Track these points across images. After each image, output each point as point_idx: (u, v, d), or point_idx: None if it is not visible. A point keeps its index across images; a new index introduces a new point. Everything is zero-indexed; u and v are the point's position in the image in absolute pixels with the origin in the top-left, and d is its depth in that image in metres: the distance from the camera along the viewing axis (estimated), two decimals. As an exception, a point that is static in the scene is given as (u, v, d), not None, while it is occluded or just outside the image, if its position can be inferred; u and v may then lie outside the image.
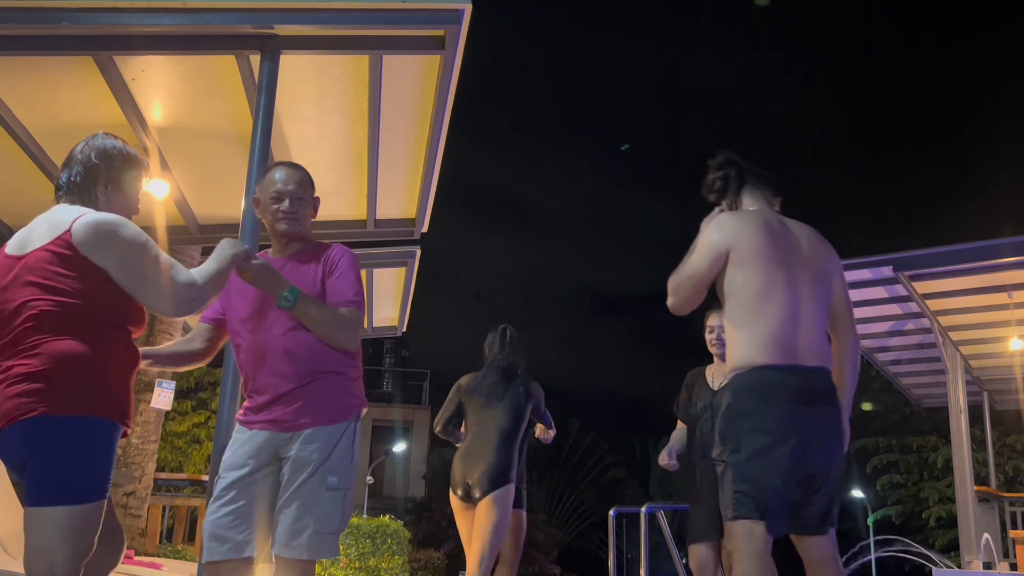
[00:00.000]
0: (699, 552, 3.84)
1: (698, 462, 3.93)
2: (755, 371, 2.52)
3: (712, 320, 4.08)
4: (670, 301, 2.71)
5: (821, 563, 2.56)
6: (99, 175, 2.34)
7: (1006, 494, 9.39)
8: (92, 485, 2.09)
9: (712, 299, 3.25)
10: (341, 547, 5.87)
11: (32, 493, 2.07)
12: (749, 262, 2.56)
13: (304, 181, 2.64)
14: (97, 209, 2.29)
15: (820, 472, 2.52)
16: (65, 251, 2.16)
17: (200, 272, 2.30)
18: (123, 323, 2.25)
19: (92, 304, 2.18)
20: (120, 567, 4.27)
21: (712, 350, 4.07)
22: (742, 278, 2.57)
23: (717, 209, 2.83)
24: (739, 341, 2.58)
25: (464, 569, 5.20)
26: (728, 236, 2.61)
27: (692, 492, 3.98)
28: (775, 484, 2.44)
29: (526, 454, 4.46)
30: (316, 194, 2.70)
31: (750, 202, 2.78)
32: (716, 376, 4.04)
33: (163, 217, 6.04)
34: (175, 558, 6.60)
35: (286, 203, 2.58)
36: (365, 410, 2.63)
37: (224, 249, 2.38)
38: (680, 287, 2.67)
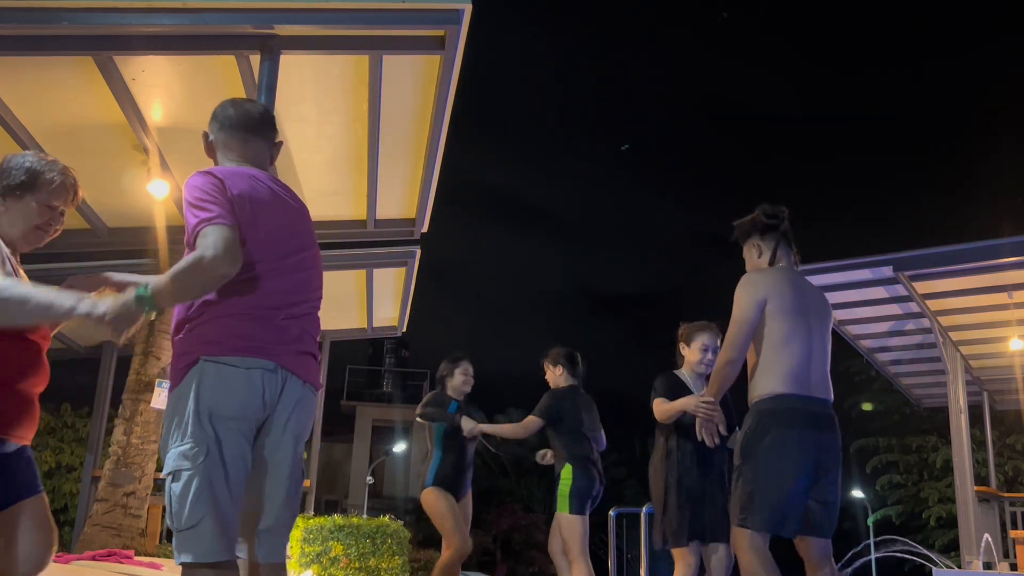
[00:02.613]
0: (688, 554, 3.84)
1: (677, 469, 3.91)
2: (776, 399, 3.03)
3: (706, 339, 4.07)
4: (731, 355, 3.12)
5: (822, 561, 3.07)
6: None
7: (1006, 494, 9.39)
8: None
9: (698, 318, 4.13)
10: (340, 547, 5.87)
11: None
12: (777, 314, 3.08)
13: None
14: None
15: (829, 485, 3.05)
16: None
17: (5, 287, 2.06)
18: None
19: None
20: (120, 567, 4.26)
21: (699, 369, 4.06)
22: (771, 325, 3.08)
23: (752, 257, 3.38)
24: (764, 375, 3.08)
25: (464, 569, 5.21)
26: (764, 291, 3.12)
27: (668, 496, 3.91)
28: (790, 496, 2.92)
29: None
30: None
31: (781, 256, 3.31)
32: (694, 386, 4.03)
33: (163, 217, 6.04)
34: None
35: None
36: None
37: (65, 301, 2.02)
38: (736, 338, 3.11)
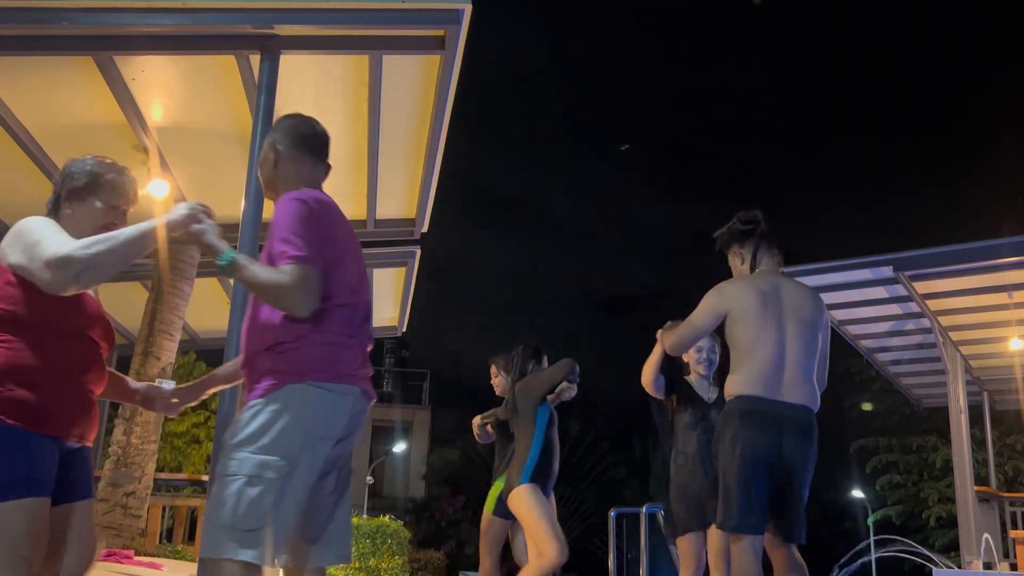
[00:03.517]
0: (695, 542, 4.02)
1: (677, 459, 4.14)
2: (738, 400, 3.15)
3: (701, 341, 4.23)
4: (670, 344, 3.52)
5: (789, 568, 3.13)
6: (61, 192, 2.36)
7: (1006, 494, 9.39)
8: None
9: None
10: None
11: None
12: (741, 320, 3.23)
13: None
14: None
15: (794, 491, 3.10)
16: None
17: (88, 242, 2.13)
18: (41, 322, 2.16)
19: (5, 307, 2.14)
20: (120, 567, 4.26)
21: (699, 370, 4.30)
22: (738, 331, 3.23)
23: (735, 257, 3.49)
24: (731, 378, 3.23)
25: (464, 569, 5.21)
26: (725, 301, 3.28)
27: (671, 487, 4.14)
28: (745, 495, 3.01)
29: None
30: None
31: (766, 262, 3.40)
32: (699, 388, 4.27)
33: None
34: (175, 558, 6.60)
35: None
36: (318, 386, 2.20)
37: (167, 215, 2.24)
38: (683, 337, 3.42)
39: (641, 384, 4.22)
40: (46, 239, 2.14)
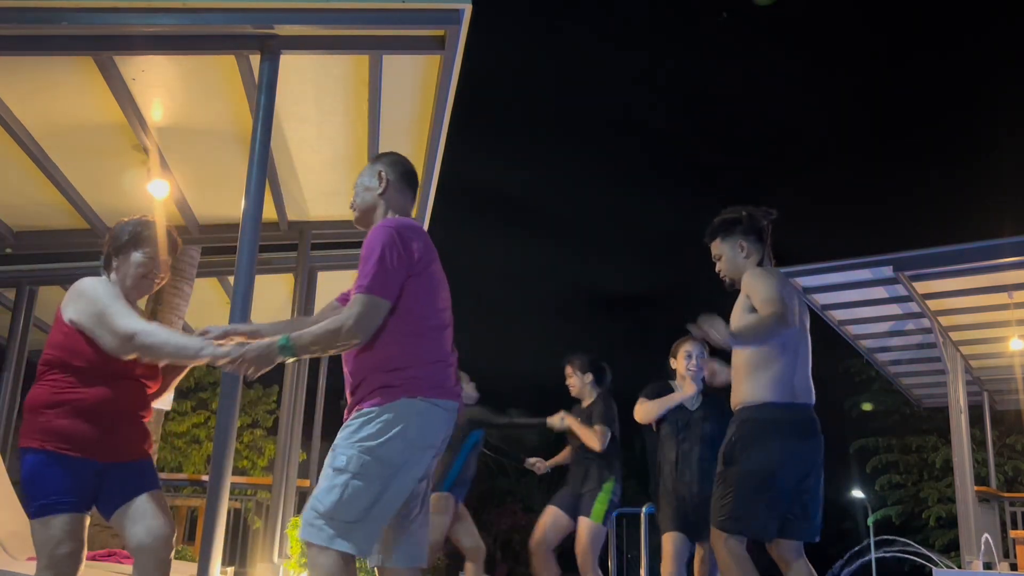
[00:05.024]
0: (676, 539, 4.12)
1: (664, 467, 4.26)
2: (761, 408, 3.04)
3: (689, 347, 4.35)
4: (760, 333, 2.97)
5: (795, 559, 3.06)
6: (111, 250, 2.83)
7: (1006, 494, 9.39)
8: (33, 506, 2.51)
9: (676, 333, 4.29)
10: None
11: None
12: None
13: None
14: (109, 279, 2.79)
15: (811, 489, 3.04)
16: (58, 313, 2.70)
17: (152, 329, 2.61)
18: (86, 367, 2.61)
19: (55, 352, 2.63)
20: (120, 567, 4.27)
21: (690, 377, 4.31)
22: None
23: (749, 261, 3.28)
24: (749, 380, 3.08)
25: (464, 569, 5.22)
26: (782, 288, 3.06)
27: (659, 489, 4.27)
28: (769, 506, 2.97)
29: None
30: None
31: (767, 260, 3.28)
32: (690, 399, 4.32)
33: (163, 217, 6.02)
34: (175, 558, 6.59)
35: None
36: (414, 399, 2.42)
37: (194, 344, 2.57)
38: (769, 323, 2.93)
39: (640, 380, 4.29)
40: (109, 308, 2.62)
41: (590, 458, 4.71)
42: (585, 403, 4.87)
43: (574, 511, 4.69)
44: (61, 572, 2.50)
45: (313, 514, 2.32)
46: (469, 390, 5.09)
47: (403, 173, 2.73)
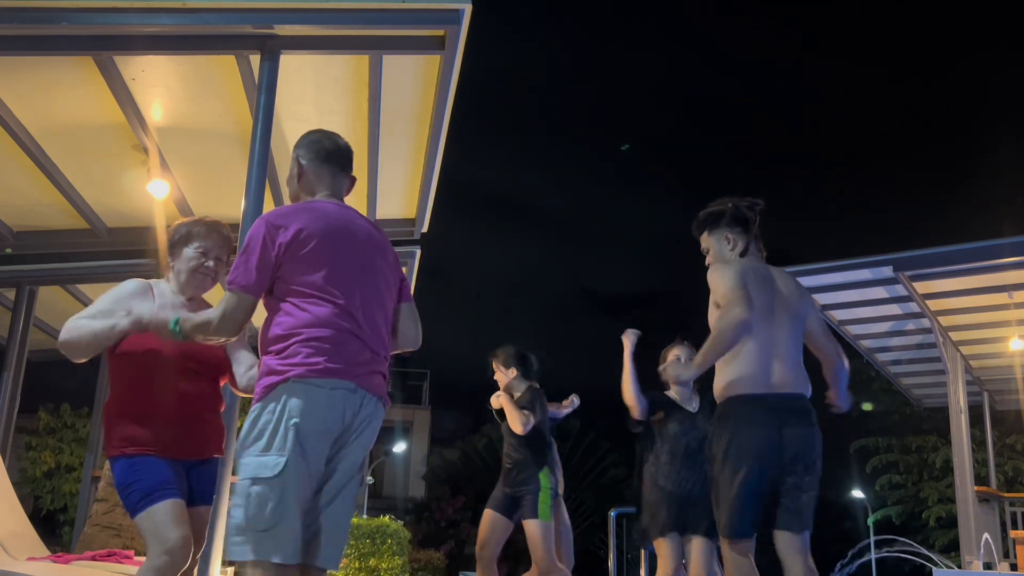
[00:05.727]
0: (670, 543, 4.14)
1: (662, 468, 4.27)
2: (730, 401, 3.01)
3: (677, 351, 4.41)
4: (719, 345, 2.94)
5: (796, 557, 2.99)
6: (170, 249, 2.93)
7: (1006, 494, 9.39)
8: (132, 504, 2.55)
9: (675, 333, 4.38)
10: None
11: None
12: None
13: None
14: (167, 278, 2.91)
15: (803, 479, 2.98)
16: None
17: (67, 327, 2.64)
18: (123, 368, 2.71)
19: (112, 360, 2.73)
20: (120, 567, 4.27)
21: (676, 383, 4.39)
22: None
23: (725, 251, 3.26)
24: (720, 374, 3.05)
25: (464, 569, 5.21)
26: (743, 276, 3.02)
27: (650, 493, 4.28)
28: (744, 499, 2.93)
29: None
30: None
31: (753, 249, 3.22)
32: (682, 399, 4.36)
33: (163, 217, 6.04)
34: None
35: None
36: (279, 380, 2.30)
37: (106, 323, 2.65)
38: (729, 322, 2.90)
39: (640, 380, 4.27)
40: (93, 306, 2.72)
41: (518, 449, 4.68)
42: (516, 396, 4.80)
43: (510, 510, 4.66)
44: (175, 559, 2.46)
45: (232, 532, 2.23)
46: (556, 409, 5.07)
47: (318, 151, 2.61)
